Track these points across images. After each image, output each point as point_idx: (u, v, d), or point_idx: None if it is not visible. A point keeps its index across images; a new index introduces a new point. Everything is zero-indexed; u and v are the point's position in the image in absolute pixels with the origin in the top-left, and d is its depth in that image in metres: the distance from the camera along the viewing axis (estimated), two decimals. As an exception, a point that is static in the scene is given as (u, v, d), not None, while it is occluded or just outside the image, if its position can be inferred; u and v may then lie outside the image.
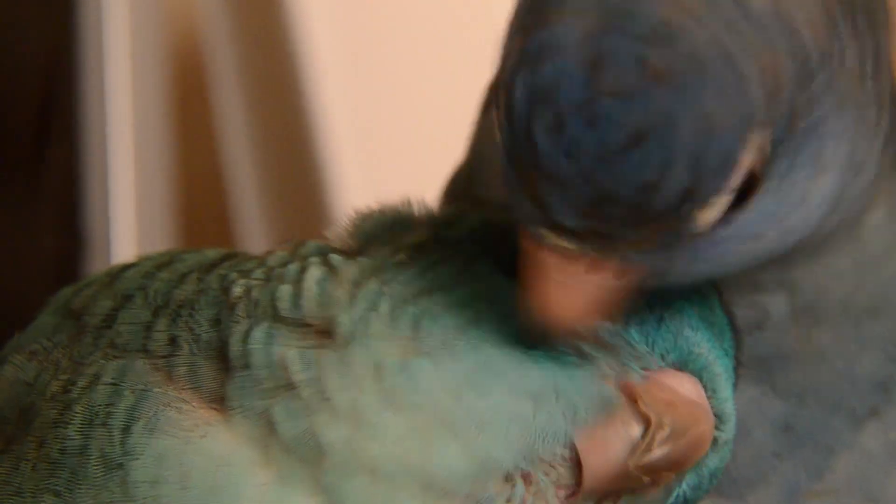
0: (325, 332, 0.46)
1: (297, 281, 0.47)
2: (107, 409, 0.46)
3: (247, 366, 0.46)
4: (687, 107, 0.41)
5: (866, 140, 0.47)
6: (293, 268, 0.48)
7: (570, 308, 0.45)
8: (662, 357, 0.48)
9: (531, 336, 0.46)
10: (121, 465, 0.45)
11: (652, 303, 0.48)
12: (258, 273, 0.48)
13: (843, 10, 0.45)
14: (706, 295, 0.50)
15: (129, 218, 0.96)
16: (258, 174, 1.07)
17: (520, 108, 0.43)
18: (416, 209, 0.52)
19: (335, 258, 0.48)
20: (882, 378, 0.53)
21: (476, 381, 0.45)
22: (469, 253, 0.49)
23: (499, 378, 0.46)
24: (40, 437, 0.47)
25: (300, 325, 0.46)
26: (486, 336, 0.46)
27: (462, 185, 0.60)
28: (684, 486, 0.48)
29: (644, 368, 0.47)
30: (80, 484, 0.45)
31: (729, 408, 0.49)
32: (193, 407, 0.46)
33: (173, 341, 0.47)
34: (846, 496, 0.53)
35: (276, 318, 0.46)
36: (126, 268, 0.52)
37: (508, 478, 0.45)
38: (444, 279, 0.48)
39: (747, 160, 0.43)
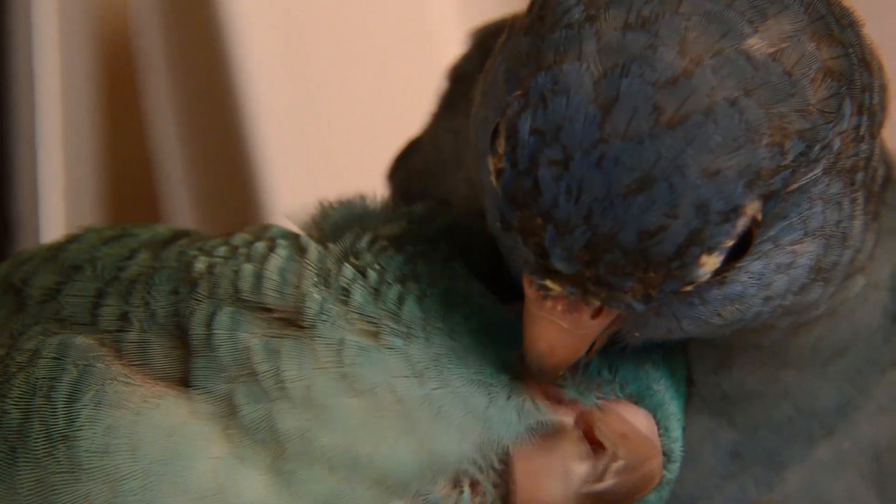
0: (287, 320, 0.46)
1: (262, 261, 0.47)
2: (49, 383, 0.45)
3: (210, 349, 0.46)
4: (696, 155, 0.41)
5: (855, 207, 0.47)
6: (260, 246, 0.48)
7: (563, 351, 0.44)
8: (622, 387, 0.48)
9: (526, 373, 0.46)
10: (65, 437, 0.44)
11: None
12: (222, 251, 0.48)
13: (843, 69, 0.44)
14: (673, 345, 0.50)
15: (57, 204, 0.96)
16: (186, 161, 1.06)
17: (525, 143, 0.42)
18: (377, 203, 0.52)
19: (305, 240, 0.48)
20: (841, 402, 0.53)
21: (440, 368, 0.45)
22: (444, 251, 0.49)
23: (461, 368, 0.46)
24: None
25: (262, 309, 0.46)
26: (458, 330, 0.47)
27: (418, 182, 0.58)
28: None
29: (601, 397, 0.47)
30: (19, 458, 0.45)
31: (678, 448, 0.49)
32: (141, 382, 0.45)
33: (124, 317, 0.47)
34: (795, 501, 0.53)
35: (238, 300, 0.46)
36: (71, 240, 0.51)
37: (457, 483, 0.45)
38: (424, 272, 0.48)
39: (750, 211, 0.42)
